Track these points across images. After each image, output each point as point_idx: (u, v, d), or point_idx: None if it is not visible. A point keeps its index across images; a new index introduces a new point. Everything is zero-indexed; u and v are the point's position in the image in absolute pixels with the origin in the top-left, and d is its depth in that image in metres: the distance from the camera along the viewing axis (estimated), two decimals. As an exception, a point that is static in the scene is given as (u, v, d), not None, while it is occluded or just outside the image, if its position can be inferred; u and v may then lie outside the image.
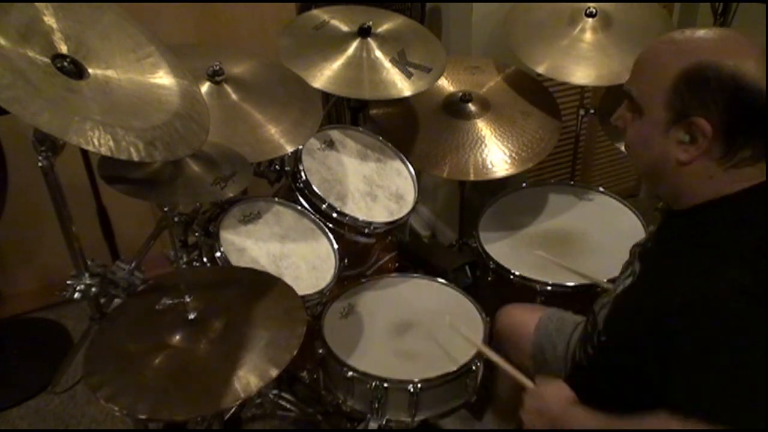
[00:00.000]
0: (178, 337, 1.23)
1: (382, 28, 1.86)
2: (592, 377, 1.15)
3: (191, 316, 1.25)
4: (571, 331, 1.40)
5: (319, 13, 1.88)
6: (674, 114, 0.94)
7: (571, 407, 1.08)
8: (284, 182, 1.76)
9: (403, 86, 1.76)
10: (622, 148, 1.94)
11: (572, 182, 2.13)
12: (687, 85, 0.92)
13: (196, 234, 1.59)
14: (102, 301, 1.36)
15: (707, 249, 0.93)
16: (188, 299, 1.25)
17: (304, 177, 1.65)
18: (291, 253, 1.59)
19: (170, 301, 1.28)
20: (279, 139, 1.56)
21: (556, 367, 1.38)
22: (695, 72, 0.91)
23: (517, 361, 1.52)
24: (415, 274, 1.79)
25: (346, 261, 1.65)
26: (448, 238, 2.49)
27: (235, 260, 1.50)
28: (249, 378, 1.14)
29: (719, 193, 0.95)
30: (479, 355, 1.49)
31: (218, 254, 1.49)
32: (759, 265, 0.88)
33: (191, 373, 1.17)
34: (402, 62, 1.80)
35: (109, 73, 1.11)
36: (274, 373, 1.15)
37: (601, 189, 2.00)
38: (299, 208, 1.67)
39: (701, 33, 0.95)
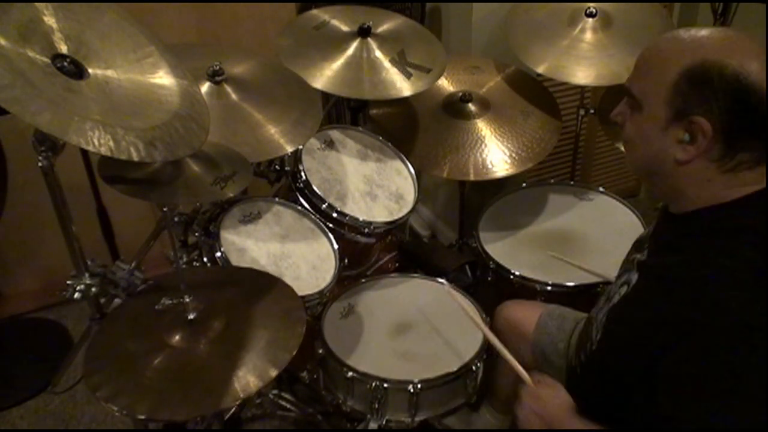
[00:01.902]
0: (177, 337, 1.23)
1: (382, 28, 1.86)
2: (584, 385, 1.15)
3: (191, 316, 1.25)
4: (572, 328, 1.40)
5: (319, 13, 1.88)
6: (674, 112, 0.93)
7: (568, 415, 1.08)
8: (284, 182, 1.76)
9: (402, 86, 1.76)
10: (622, 148, 1.95)
11: (572, 182, 2.13)
12: (689, 83, 0.91)
13: (196, 234, 1.59)
14: (102, 301, 1.36)
15: (703, 266, 0.91)
16: (188, 299, 1.25)
17: (304, 177, 1.65)
18: (291, 253, 1.59)
19: (170, 301, 1.28)
20: (279, 139, 1.56)
21: (557, 363, 1.38)
22: (698, 70, 0.90)
23: (516, 357, 1.52)
24: (415, 274, 1.79)
25: (346, 261, 1.65)
26: (448, 238, 2.49)
27: (235, 260, 1.50)
28: (249, 378, 1.14)
29: (718, 199, 0.94)
30: (479, 356, 1.49)
31: (218, 254, 1.49)
32: (755, 285, 0.86)
33: (191, 373, 1.17)
34: (402, 62, 1.80)
35: (109, 73, 1.11)
36: (273, 373, 1.15)
37: (601, 189, 2.00)
38: (299, 208, 1.67)
39: (706, 32, 0.94)
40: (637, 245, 1.16)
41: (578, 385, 1.17)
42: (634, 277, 1.05)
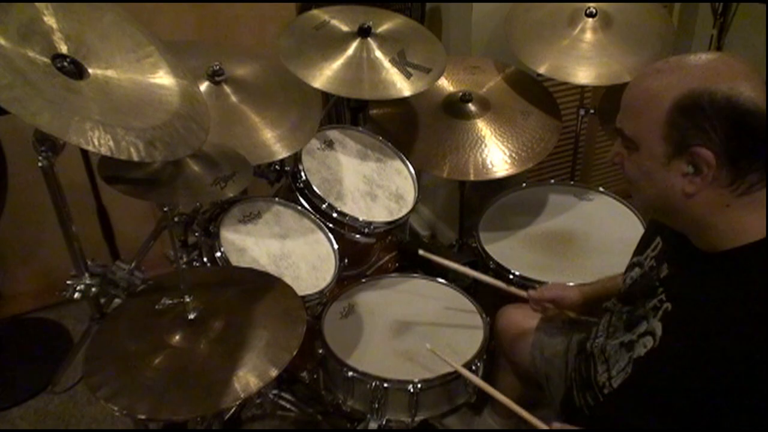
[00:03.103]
0: (178, 337, 1.23)
1: (382, 28, 1.86)
2: (593, 426, 1.15)
3: (191, 316, 1.25)
4: (571, 331, 1.41)
5: (319, 13, 1.88)
6: (673, 146, 0.90)
7: None
8: (284, 182, 1.76)
9: (402, 86, 1.76)
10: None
11: (572, 182, 2.13)
12: (682, 115, 0.88)
13: (196, 234, 1.59)
14: (102, 301, 1.36)
15: (752, 314, 0.87)
16: (188, 299, 1.25)
17: (304, 177, 1.65)
18: (291, 253, 1.59)
19: (170, 301, 1.28)
20: (274, 144, 1.56)
21: (557, 366, 1.38)
22: (688, 101, 0.87)
23: (516, 361, 1.52)
24: (415, 274, 1.79)
25: (346, 261, 1.65)
26: (448, 238, 2.49)
27: (235, 260, 1.50)
28: (249, 378, 1.14)
29: (747, 234, 0.90)
30: (479, 355, 1.49)
31: (218, 254, 1.49)
32: None
33: (191, 373, 1.17)
34: (402, 62, 1.80)
35: (109, 73, 1.11)
36: (273, 373, 1.15)
37: (601, 189, 2.00)
38: (299, 208, 1.67)
39: (688, 60, 0.92)
40: (631, 298, 1.12)
41: (587, 425, 1.16)
42: (658, 327, 1.00)
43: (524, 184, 2.04)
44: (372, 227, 1.67)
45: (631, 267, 1.17)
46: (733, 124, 0.86)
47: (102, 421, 1.95)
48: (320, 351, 1.52)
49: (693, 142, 0.88)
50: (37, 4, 1.06)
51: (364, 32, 1.81)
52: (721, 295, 0.92)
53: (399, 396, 1.43)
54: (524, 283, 1.67)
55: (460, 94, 1.96)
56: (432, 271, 1.87)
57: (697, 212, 0.93)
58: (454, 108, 1.95)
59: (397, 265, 1.93)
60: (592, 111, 2.06)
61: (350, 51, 1.78)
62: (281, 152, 1.56)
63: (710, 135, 0.87)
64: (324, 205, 1.64)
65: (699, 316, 0.94)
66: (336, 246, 1.64)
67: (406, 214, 1.75)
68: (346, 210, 1.66)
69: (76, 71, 1.06)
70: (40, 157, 1.15)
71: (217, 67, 1.57)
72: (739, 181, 0.89)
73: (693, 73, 0.90)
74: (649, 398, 1.02)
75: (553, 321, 1.46)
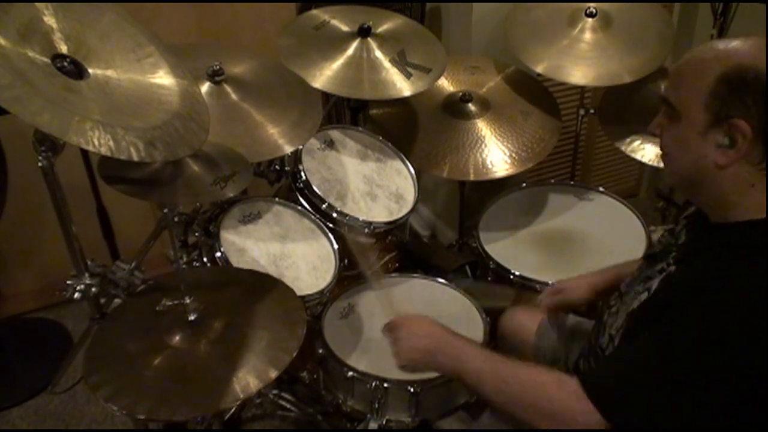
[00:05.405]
0: (178, 338, 1.23)
1: (382, 28, 1.86)
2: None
3: (191, 317, 1.25)
4: (572, 332, 1.41)
5: (319, 13, 1.88)
6: (713, 116, 0.94)
7: (445, 329, 1.17)
8: (284, 182, 1.76)
9: (402, 86, 1.76)
10: (622, 148, 1.95)
11: (572, 182, 2.13)
12: (726, 87, 0.92)
13: (196, 234, 1.59)
14: (102, 301, 1.36)
15: (740, 278, 0.89)
16: (188, 300, 1.25)
17: (304, 177, 1.65)
18: (291, 254, 1.59)
19: (170, 302, 1.28)
20: (277, 140, 1.56)
21: (559, 368, 1.38)
22: (735, 74, 0.92)
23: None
24: (415, 274, 1.79)
25: (346, 261, 1.65)
26: (448, 238, 2.49)
27: (235, 260, 1.50)
28: (248, 379, 1.14)
29: (762, 211, 0.93)
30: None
31: (218, 254, 1.49)
32: None
33: (191, 374, 1.17)
34: (402, 62, 1.80)
35: (109, 73, 1.11)
36: (273, 374, 1.15)
37: (601, 189, 2.00)
38: (299, 208, 1.67)
39: (739, 41, 0.96)
40: (651, 258, 1.14)
41: None
42: (656, 284, 1.04)
43: (524, 184, 2.04)
44: (372, 227, 1.67)
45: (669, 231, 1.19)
46: None
47: (102, 421, 1.95)
48: (320, 351, 1.52)
49: (733, 113, 0.92)
50: (37, 4, 1.06)
51: (364, 32, 1.81)
52: (718, 258, 0.95)
53: (399, 396, 1.43)
54: (524, 282, 1.67)
55: (460, 94, 1.96)
56: (432, 271, 1.87)
57: (724, 186, 0.96)
58: (454, 108, 1.95)
59: (397, 265, 1.93)
60: (592, 111, 2.06)
61: (350, 51, 1.79)
62: (284, 148, 1.56)
63: (750, 109, 0.91)
64: (324, 205, 1.64)
65: (693, 275, 0.97)
66: (336, 246, 1.64)
67: (406, 214, 1.75)
68: (346, 210, 1.66)
69: (76, 71, 1.06)
70: (40, 157, 1.15)
71: (217, 67, 1.57)
72: None
73: (743, 49, 0.94)
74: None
75: (555, 323, 1.46)
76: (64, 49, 1.06)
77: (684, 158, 0.99)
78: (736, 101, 0.91)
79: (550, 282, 1.64)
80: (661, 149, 1.04)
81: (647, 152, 1.91)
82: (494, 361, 1.09)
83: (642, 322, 1.02)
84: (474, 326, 1.58)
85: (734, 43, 0.95)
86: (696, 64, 0.97)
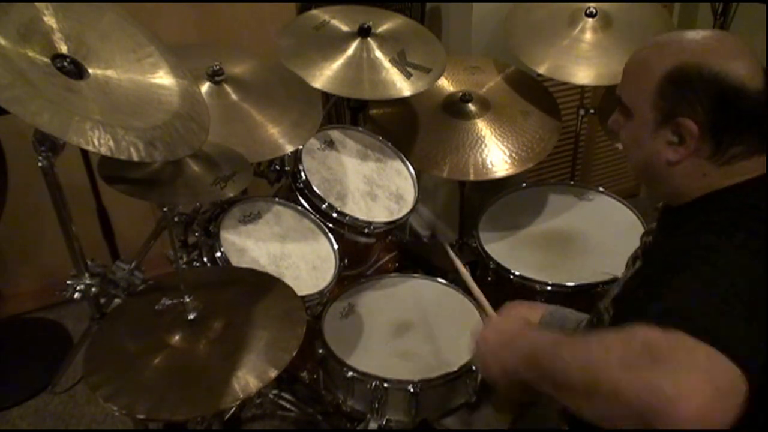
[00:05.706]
0: (177, 338, 1.23)
1: (382, 28, 1.86)
2: None
3: (191, 317, 1.25)
4: (573, 328, 1.40)
5: (319, 13, 1.88)
6: (661, 115, 0.95)
7: (527, 326, 1.12)
8: (284, 182, 1.76)
9: (402, 86, 1.76)
10: (620, 146, 1.95)
11: (572, 182, 2.13)
12: (671, 86, 0.93)
13: (196, 234, 1.59)
14: (102, 301, 1.36)
15: (701, 236, 0.91)
16: (188, 299, 1.25)
17: (304, 177, 1.65)
18: (291, 253, 1.59)
19: (170, 301, 1.28)
20: (277, 140, 1.56)
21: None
22: (678, 73, 0.92)
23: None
24: (415, 274, 1.79)
25: (346, 261, 1.65)
26: (448, 238, 2.49)
27: (236, 260, 1.50)
28: (248, 378, 1.14)
29: (714, 187, 0.96)
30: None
31: (218, 254, 1.49)
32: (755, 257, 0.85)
33: (191, 373, 1.17)
34: (402, 62, 1.80)
35: (109, 73, 1.11)
36: (273, 373, 1.15)
37: (601, 189, 2.00)
38: (299, 208, 1.67)
39: (687, 35, 0.96)
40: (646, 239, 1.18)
41: None
42: (639, 263, 1.08)
43: (524, 184, 2.04)
44: (372, 227, 1.67)
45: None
46: (718, 99, 0.90)
47: (102, 421, 1.95)
48: (320, 351, 1.52)
49: (679, 112, 0.93)
50: (37, 4, 1.06)
51: (364, 32, 1.81)
52: (691, 232, 0.95)
53: (399, 396, 1.43)
54: (524, 283, 1.67)
55: (460, 94, 1.96)
56: (432, 271, 1.87)
57: (676, 180, 0.98)
58: (454, 108, 1.95)
59: (397, 265, 1.93)
60: (592, 111, 2.06)
61: (350, 51, 1.78)
62: (284, 148, 1.56)
63: (695, 108, 0.91)
64: (324, 205, 1.64)
65: (660, 246, 1.01)
66: (336, 246, 1.64)
67: (406, 214, 1.75)
68: (346, 210, 1.66)
69: (76, 71, 1.06)
70: (40, 157, 1.15)
71: (217, 67, 1.57)
72: (720, 153, 0.93)
73: (687, 47, 0.94)
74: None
75: (556, 319, 1.45)
76: (64, 49, 1.06)
77: (639, 154, 1.01)
78: (681, 100, 0.92)
79: (550, 282, 1.65)
80: (621, 146, 1.06)
81: (647, 152, 1.90)
82: (571, 335, 1.03)
83: (625, 294, 1.04)
84: (474, 326, 1.58)
85: (680, 39, 0.96)
86: (642, 64, 0.98)
